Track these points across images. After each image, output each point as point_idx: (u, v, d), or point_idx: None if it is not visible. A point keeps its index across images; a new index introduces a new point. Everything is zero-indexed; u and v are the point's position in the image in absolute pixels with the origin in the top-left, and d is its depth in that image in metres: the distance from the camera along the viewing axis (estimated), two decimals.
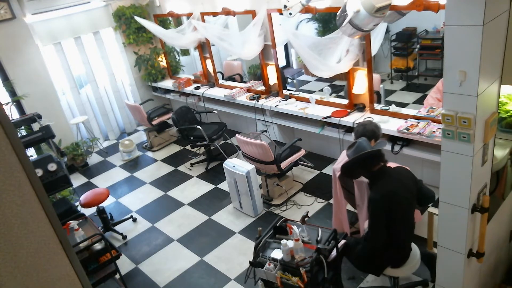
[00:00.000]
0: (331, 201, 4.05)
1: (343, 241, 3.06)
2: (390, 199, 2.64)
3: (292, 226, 2.86)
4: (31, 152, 5.09)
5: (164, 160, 6.24)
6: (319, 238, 2.88)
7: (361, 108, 4.52)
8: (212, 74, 6.40)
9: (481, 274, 2.73)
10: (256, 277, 2.89)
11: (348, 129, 4.51)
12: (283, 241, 2.71)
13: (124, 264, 4.15)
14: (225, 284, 3.70)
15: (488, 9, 1.80)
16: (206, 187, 5.31)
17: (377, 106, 4.44)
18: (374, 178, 2.76)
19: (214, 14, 5.73)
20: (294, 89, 6.39)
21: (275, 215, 4.47)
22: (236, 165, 4.38)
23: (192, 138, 5.63)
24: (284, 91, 5.40)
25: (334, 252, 2.87)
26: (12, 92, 5.84)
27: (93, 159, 6.67)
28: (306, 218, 2.97)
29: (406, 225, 2.79)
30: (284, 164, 4.45)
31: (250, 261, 2.85)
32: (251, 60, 6.37)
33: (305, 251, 2.76)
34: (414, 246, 2.99)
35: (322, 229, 2.96)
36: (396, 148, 4.10)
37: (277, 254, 2.79)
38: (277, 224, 3.03)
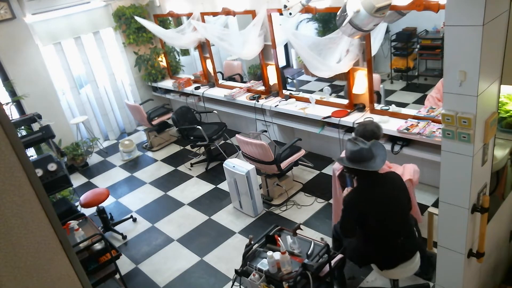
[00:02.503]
0: (331, 201, 4.05)
1: (339, 256, 3.00)
2: (366, 201, 2.65)
3: (279, 239, 2.79)
4: (31, 152, 5.08)
5: (164, 160, 6.24)
6: (309, 252, 2.80)
7: (361, 108, 4.52)
8: (212, 74, 6.40)
9: (481, 274, 2.73)
10: (243, 285, 2.86)
11: (348, 129, 4.51)
12: (269, 253, 2.65)
13: (124, 264, 4.15)
14: (225, 284, 3.69)
15: (488, 9, 1.80)
16: (206, 187, 5.31)
17: (377, 106, 4.44)
18: (361, 180, 2.76)
19: (214, 14, 5.73)
20: (294, 89, 6.39)
21: (275, 215, 4.47)
22: (236, 165, 4.38)
23: (192, 138, 5.63)
24: (284, 91, 5.40)
25: (327, 267, 2.80)
26: (12, 92, 5.84)
27: (93, 159, 6.67)
28: (298, 230, 2.93)
29: (389, 226, 2.71)
30: (284, 164, 4.45)
31: (235, 270, 2.81)
32: (251, 60, 6.37)
33: (293, 265, 2.68)
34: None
35: (315, 242, 2.89)
36: (396, 148, 4.10)
37: (264, 264, 2.73)
38: (271, 233, 2.97)
